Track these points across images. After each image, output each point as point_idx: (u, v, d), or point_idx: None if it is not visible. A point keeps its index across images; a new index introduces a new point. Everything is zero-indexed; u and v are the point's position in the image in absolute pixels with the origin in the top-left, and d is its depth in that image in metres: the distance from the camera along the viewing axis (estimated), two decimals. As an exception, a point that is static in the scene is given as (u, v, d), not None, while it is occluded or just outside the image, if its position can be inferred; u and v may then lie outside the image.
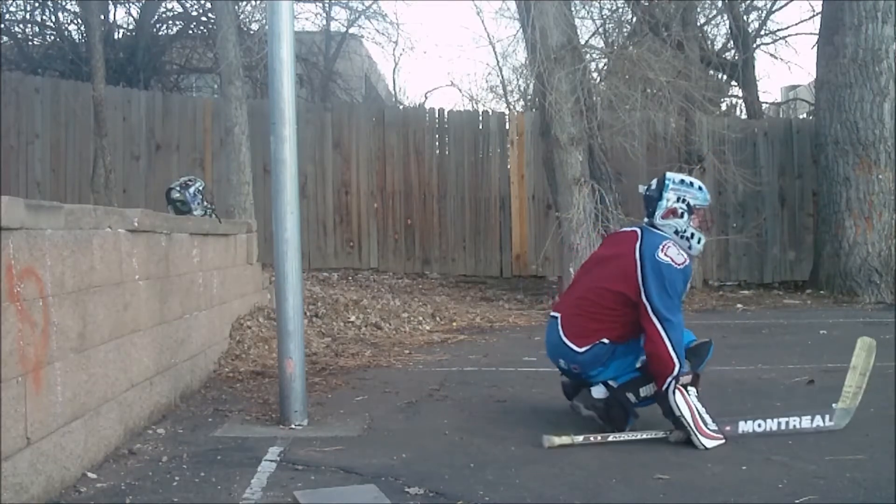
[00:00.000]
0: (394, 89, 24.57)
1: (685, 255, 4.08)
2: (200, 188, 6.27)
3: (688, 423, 3.88)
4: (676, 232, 4.18)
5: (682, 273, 4.04)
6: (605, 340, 4.12)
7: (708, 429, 3.90)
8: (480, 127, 12.19)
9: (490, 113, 13.40)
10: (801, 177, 12.00)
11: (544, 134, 9.93)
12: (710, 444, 3.86)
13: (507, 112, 16.68)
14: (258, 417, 4.56)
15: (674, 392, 3.91)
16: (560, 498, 3.30)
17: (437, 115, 12.29)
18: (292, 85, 4.42)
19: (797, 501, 3.20)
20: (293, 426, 4.33)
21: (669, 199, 4.18)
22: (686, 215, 4.17)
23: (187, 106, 11.95)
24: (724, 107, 15.12)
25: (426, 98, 23.77)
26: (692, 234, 4.19)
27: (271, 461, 3.77)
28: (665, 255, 4.03)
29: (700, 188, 4.24)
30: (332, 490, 3.38)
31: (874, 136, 10.27)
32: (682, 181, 4.25)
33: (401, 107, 18.51)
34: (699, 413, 3.91)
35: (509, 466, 3.68)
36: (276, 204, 4.40)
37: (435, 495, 3.31)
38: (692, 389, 3.98)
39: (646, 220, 4.28)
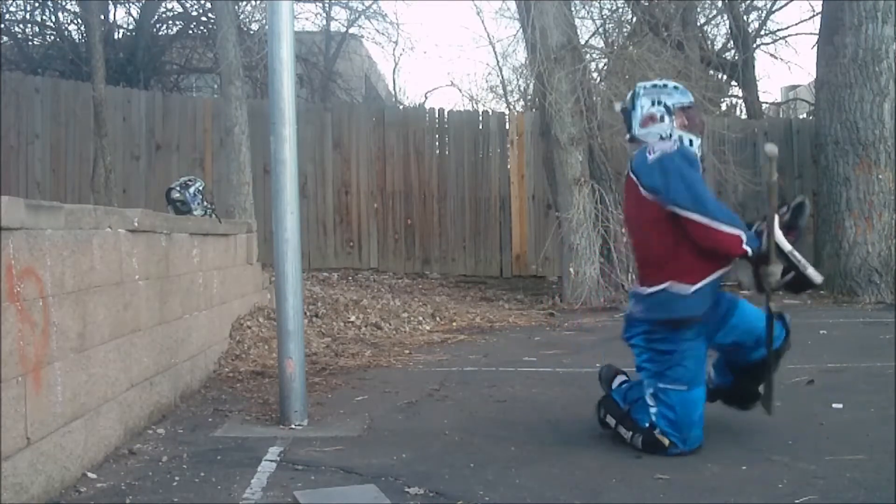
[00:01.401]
0: (394, 89, 24.58)
1: (666, 141, 3.78)
2: (200, 188, 6.27)
3: (798, 261, 3.65)
4: (661, 138, 3.84)
5: (681, 155, 3.72)
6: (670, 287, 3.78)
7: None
8: (480, 127, 12.19)
9: (490, 113, 13.40)
10: (801, 177, 12.00)
11: (544, 134, 9.94)
12: (818, 278, 3.71)
13: (507, 112, 16.69)
14: (258, 417, 4.56)
15: (772, 233, 3.62)
16: (560, 498, 3.30)
17: (437, 115, 12.29)
18: (292, 85, 4.42)
19: (797, 501, 3.20)
20: (293, 426, 4.33)
21: (644, 105, 3.87)
22: (667, 118, 3.84)
23: (187, 106, 11.95)
24: (724, 107, 15.12)
25: (426, 98, 23.79)
26: (680, 137, 3.82)
27: (271, 461, 3.77)
28: (652, 153, 3.75)
29: (676, 87, 3.92)
30: (332, 490, 3.39)
31: (874, 136, 10.27)
32: (654, 84, 3.95)
33: (401, 107, 18.51)
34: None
35: (509, 466, 3.68)
36: (276, 204, 4.40)
37: (435, 495, 3.32)
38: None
39: (627, 136, 4.00)
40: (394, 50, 34.80)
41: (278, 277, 4.43)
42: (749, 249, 3.64)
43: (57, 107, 11.30)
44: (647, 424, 3.81)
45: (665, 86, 3.92)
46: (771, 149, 3.77)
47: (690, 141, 3.83)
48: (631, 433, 3.87)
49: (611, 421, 4.00)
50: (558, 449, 3.95)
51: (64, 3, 13.98)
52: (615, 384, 4.17)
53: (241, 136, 9.09)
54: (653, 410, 3.80)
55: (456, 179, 11.97)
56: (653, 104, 3.86)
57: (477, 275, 11.79)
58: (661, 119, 3.85)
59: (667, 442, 3.76)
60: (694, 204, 3.63)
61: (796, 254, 3.67)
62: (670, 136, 3.81)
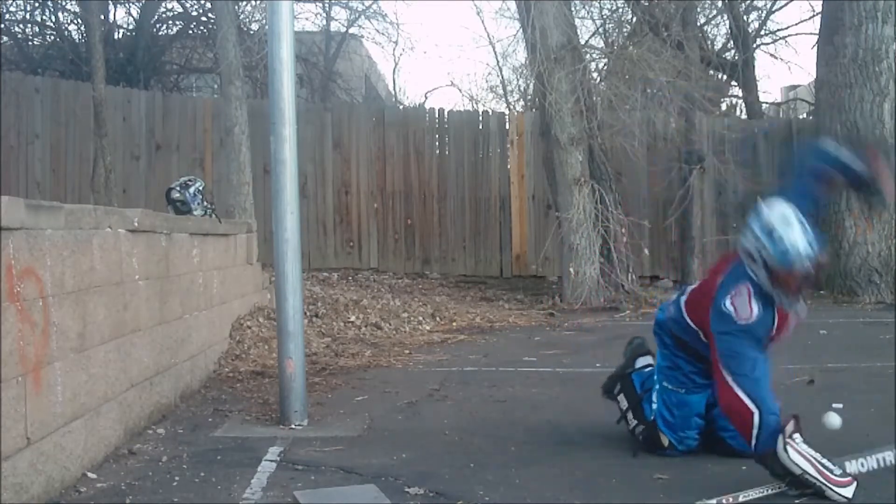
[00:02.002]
0: (394, 89, 24.55)
1: (753, 308, 3.41)
2: (200, 188, 6.26)
3: (816, 479, 3.22)
4: (751, 280, 3.45)
5: (746, 333, 3.40)
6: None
7: (836, 475, 3.25)
8: (480, 127, 12.19)
9: (490, 113, 13.40)
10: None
11: (544, 134, 9.94)
12: (849, 491, 3.23)
13: (507, 112, 16.69)
14: (258, 417, 4.56)
15: (785, 449, 3.24)
16: (560, 498, 3.30)
17: (437, 115, 12.29)
18: (292, 85, 4.42)
19: (797, 501, 3.21)
20: (293, 426, 4.33)
21: (748, 238, 3.43)
22: (761, 271, 3.40)
23: (187, 106, 11.95)
24: (724, 107, 15.12)
25: (426, 98, 23.74)
26: (771, 292, 3.42)
27: (271, 461, 3.77)
28: (731, 303, 3.44)
29: (783, 250, 3.31)
30: (332, 490, 3.39)
31: (874, 137, 10.26)
32: (768, 230, 3.36)
33: (401, 107, 18.50)
34: (821, 463, 3.25)
35: (509, 466, 3.68)
36: (276, 204, 4.40)
37: (435, 495, 3.32)
38: (798, 436, 3.29)
39: (741, 237, 3.57)
40: (394, 50, 34.73)
41: (278, 277, 4.43)
42: (756, 440, 3.29)
43: (57, 107, 11.31)
44: (651, 418, 3.85)
45: (771, 234, 3.35)
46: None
47: (783, 300, 3.46)
48: (636, 423, 3.91)
49: (623, 403, 4.00)
50: (558, 449, 3.95)
51: (64, 3, 14.00)
52: (639, 364, 4.10)
53: (241, 136, 9.09)
54: (654, 407, 3.84)
55: (456, 179, 11.97)
56: (756, 240, 3.40)
57: (477, 275, 11.79)
58: (756, 265, 3.43)
59: (666, 442, 3.79)
60: (727, 365, 3.39)
61: (809, 477, 3.24)
62: (763, 285, 3.42)
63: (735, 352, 3.40)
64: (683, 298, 3.84)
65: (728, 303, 3.45)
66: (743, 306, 3.41)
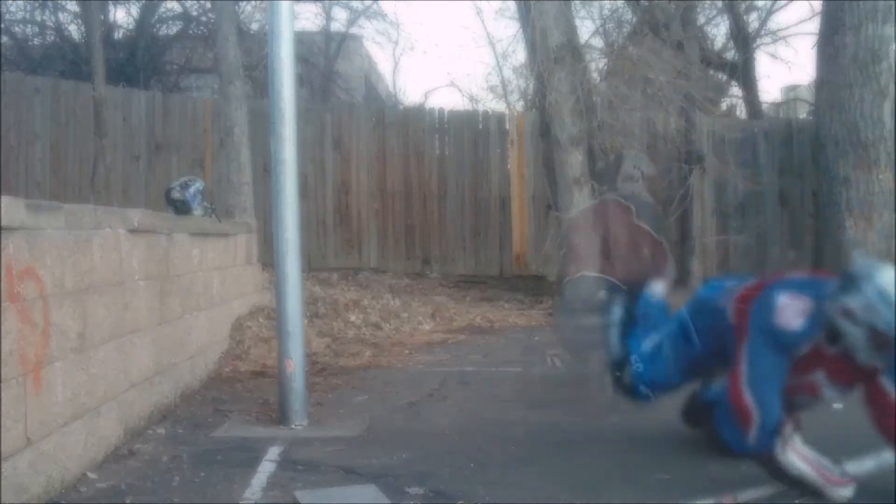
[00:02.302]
0: (394, 89, 24.53)
1: (799, 323, 3.30)
2: (200, 188, 6.25)
3: (815, 480, 3.24)
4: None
5: (772, 335, 3.32)
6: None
7: (835, 476, 3.26)
8: (480, 127, 12.18)
9: (490, 113, 13.40)
10: (801, 177, 11.98)
11: (544, 134, 9.94)
12: (848, 491, 3.24)
13: (507, 112, 16.66)
14: (258, 417, 4.56)
15: (783, 450, 3.25)
16: (560, 498, 3.30)
17: (437, 115, 12.29)
18: (292, 85, 4.43)
19: (797, 501, 3.21)
20: (293, 426, 4.33)
21: (855, 299, 3.21)
22: (864, 330, 3.21)
23: (187, 106, 11.94)
24: (724, 107, 15.10)
25: (426, 98, 23.71)
26: (860, 347, 3.27)
27: (271, 461, 3.77)
28: (784, 301, 3.33)
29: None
30: (332, 490, 3.39)
31: (874, 136, 10.24)
32: (882, 294, 3.16)
33: (401, 107, 18.48)
34: (820, 463, 3.26)
35: (509, 466, 3.68)
36: (276, 204, 4.40)
37: (435, 495, 3.32)
38: (797, 437, 3.30)
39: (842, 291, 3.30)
40: (394, 50, 34.65)
41: (278, 277, 4.43)
42: (755, 441, 3.28)
43: (57, 107, 11.31)
44: (631, 357, 3.92)
45: (890, 299, 3.16)
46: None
47: (866, 354, 3.29)
48: (616, 340, 4.03)
49: (615, 314, 4.11)
50: (558, 449, 3.95)
51: (64, 3, 13.99)
52: (653, 289, 4.19)
53: (241, 136, 9.07)
54: (642, 350, 3.89)
55: (456, 179, 11.96)
56: (866, 301, 3.19)
57: (477, 275, 11.77)
58: (854, 324, 3.24)
59: (627, 381, 3.91)
60: (751, 355, 3.35)
61: (808, 478, 3.26)
62: (854, 340, 3.26)
63: (760, 348, 3.34)
64: (739, 292, 3.64)
65: (783, 298, 3.33)
66: (794, 313, 3.31)
